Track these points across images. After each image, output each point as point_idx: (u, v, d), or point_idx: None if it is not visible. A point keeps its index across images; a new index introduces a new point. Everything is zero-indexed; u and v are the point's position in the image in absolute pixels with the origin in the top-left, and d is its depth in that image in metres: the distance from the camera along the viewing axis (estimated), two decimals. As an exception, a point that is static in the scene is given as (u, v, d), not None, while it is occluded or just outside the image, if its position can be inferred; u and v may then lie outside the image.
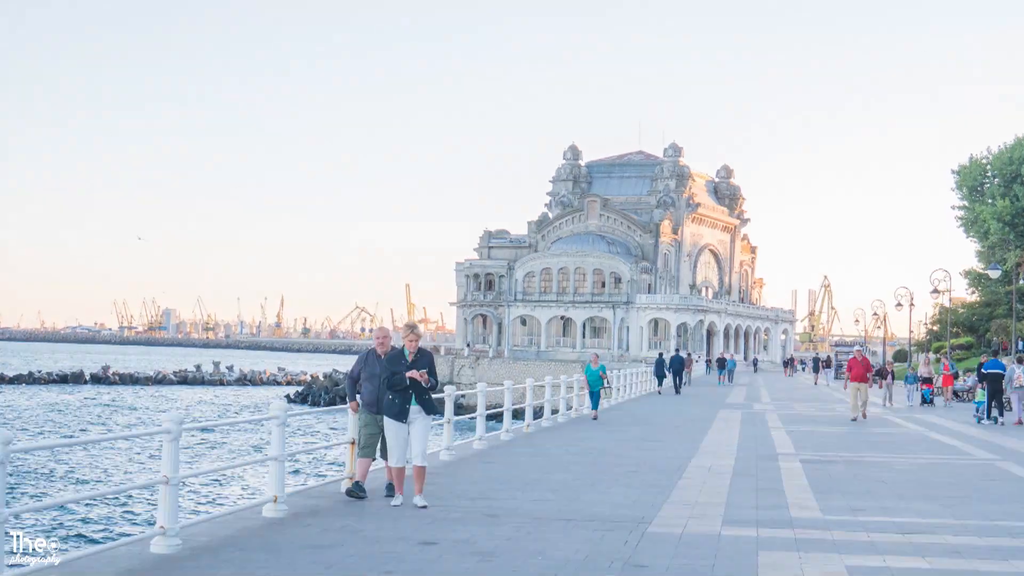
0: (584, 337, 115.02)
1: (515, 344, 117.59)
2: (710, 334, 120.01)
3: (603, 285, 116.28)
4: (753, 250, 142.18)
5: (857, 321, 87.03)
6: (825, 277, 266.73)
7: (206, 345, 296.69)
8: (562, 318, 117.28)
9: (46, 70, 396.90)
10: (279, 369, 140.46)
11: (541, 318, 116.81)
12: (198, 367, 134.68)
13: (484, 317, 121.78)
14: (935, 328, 78.18)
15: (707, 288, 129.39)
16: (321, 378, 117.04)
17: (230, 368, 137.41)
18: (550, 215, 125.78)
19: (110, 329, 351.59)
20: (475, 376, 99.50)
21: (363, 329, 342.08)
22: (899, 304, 60.07)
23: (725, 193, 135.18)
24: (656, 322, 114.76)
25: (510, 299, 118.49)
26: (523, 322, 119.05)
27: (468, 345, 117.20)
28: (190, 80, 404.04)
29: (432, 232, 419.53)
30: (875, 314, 75.60)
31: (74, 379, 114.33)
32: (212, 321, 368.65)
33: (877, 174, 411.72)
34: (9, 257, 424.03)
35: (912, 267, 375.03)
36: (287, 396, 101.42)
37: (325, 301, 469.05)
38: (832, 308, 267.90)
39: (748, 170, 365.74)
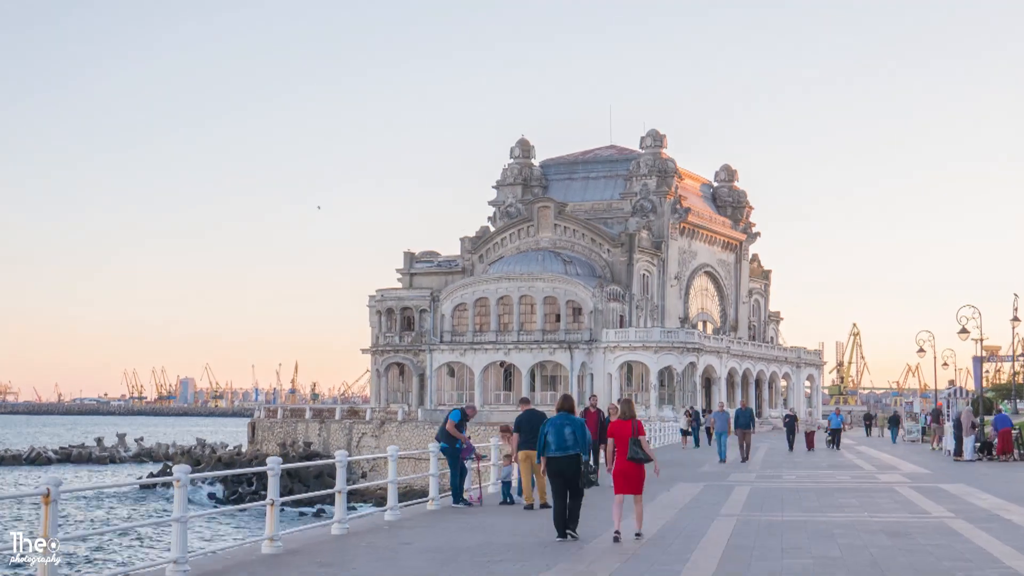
0: (533, 389, 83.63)
1: (440, 402, 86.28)
2: (709, 382, 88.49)
3: (558, 319, 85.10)
4: (766, 275, 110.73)
5: (922, 351, 55.32)
6: (854, 325, 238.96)
7: (211, 414, 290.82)
8: (502, 365, 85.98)
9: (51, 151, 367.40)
10: (197, 440, 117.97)
11: (474, 366, 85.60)
12: (99, 441, 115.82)
13: (401, 366, 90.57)
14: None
15: (705, 322, 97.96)
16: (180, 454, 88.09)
17: (139, 440, 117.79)
18: (492, 229, 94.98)
19: (119, 400, 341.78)
20: (379, 446, 73.49)
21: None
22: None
23: (726, 200, 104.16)
24: (630, 367, 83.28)
25: (434, 341, 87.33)
26: (451, 372, 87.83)
27: (376, 406, 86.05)
28: (189, 148, 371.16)
29: (350, 260, 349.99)
30: (963, 330, 44.25)
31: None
32: (227, 388, 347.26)
33: (919, 173, 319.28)
34: (27, 330, 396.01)
35: (982, 287, 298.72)
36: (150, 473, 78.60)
37: (338, 363, 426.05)
38: (862, 358, 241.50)
39: (754, 177, 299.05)
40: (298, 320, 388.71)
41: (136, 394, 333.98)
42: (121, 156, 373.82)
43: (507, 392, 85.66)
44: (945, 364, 71.71)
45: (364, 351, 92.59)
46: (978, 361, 66.73)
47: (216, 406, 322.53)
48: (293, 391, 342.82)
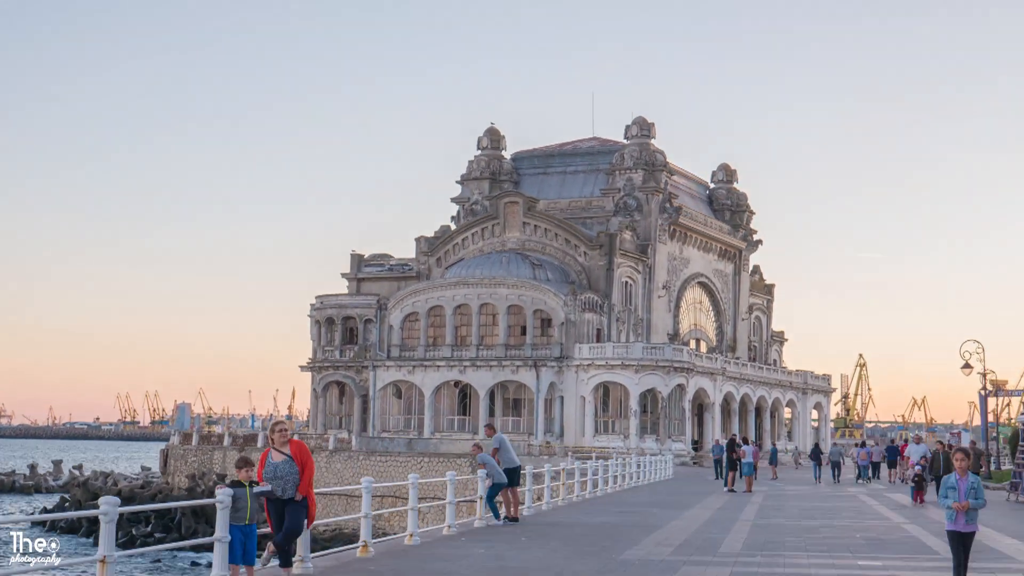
0: (492, 415, 70.79)
1: (384, 429, 73.53)
2: (701, 408, 75.79)
3: (523, 331, 72.38)
4: (768, 289, 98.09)
5: (968, 367, 42.63)
6: (860, 356, 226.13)
7: (203, 439, 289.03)
8: (457, 385, 73.23)
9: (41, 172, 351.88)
10: (143, 469, 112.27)
11: (425, 386, 72.81)
12: (32, 467, 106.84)
13: (342, 385, 77.80)
14: None
15: (698, 340, 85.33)
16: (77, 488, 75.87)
17: (78, 468, 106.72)
18: (454, 228, 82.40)
19: (111, 424, 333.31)
20: (307, 481, 58.21)
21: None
22: None
23: (724, 203, 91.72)
24: (607, 389, 70.41)
25: (380, 356, 74.57)
26: (398, 392, 75.02)
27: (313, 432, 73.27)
28: (180, 175, 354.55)
29: (290, 265, 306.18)
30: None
31: None
32: (223, 414, 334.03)
33: (938, 175, 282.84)
34: (23, 351, 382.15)
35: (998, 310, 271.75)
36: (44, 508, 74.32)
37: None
38: (868, 390, 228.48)
39: (755, 182, 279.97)
40: (297, 341, 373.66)
41: (128, 418, 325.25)
42: (114, 172, 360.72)
43: (463, 417, 72.88)
44: (984, 389, 59.66)
45: (303, 368, 79.89)
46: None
47: (211, 432, 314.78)
48: (289, 417, 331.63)
